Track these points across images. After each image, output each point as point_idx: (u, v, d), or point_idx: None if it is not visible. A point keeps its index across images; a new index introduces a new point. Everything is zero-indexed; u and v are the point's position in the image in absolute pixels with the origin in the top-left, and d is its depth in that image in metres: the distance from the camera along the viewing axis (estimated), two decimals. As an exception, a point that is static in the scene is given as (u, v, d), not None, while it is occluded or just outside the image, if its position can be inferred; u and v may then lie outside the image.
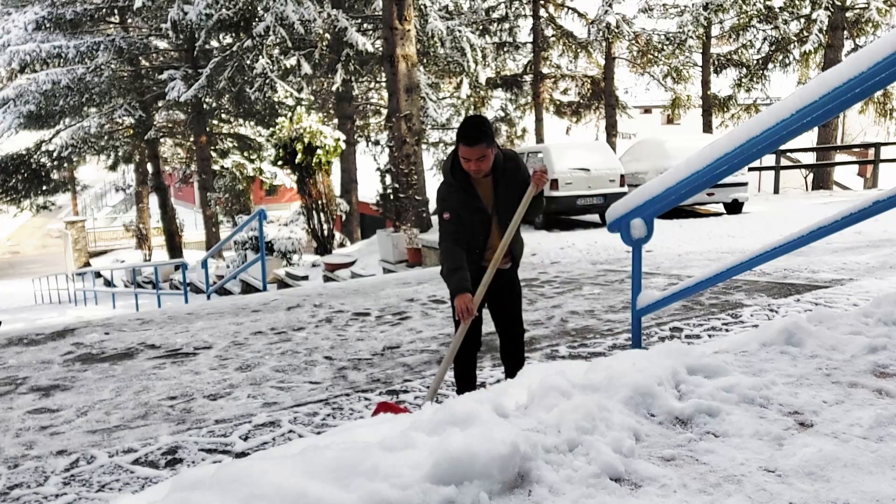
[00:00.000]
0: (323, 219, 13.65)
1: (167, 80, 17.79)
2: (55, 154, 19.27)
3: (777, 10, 19.32)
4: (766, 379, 2.34)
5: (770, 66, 19.97)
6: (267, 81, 15.96)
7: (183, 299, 11.83)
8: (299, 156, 12.71)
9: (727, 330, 4.80)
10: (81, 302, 19.90)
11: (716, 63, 20.45)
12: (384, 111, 18.00)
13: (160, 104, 19.92)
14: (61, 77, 17.81)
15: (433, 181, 18.45)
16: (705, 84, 20.33)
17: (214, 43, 18.62)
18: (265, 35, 15.07)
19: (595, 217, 12.93)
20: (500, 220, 3.26)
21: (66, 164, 21.28)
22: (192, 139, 21.28)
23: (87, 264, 26.69)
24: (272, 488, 1.60)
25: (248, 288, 12.64)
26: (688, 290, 3.28)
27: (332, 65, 16.49)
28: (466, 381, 3.51)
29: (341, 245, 14.83)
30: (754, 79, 20.09)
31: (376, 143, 21.82)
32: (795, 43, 19.37)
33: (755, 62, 20.09)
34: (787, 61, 19.86)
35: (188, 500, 1.62)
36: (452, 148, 4.11)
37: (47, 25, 18.20)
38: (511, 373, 3.48)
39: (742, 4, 18.66)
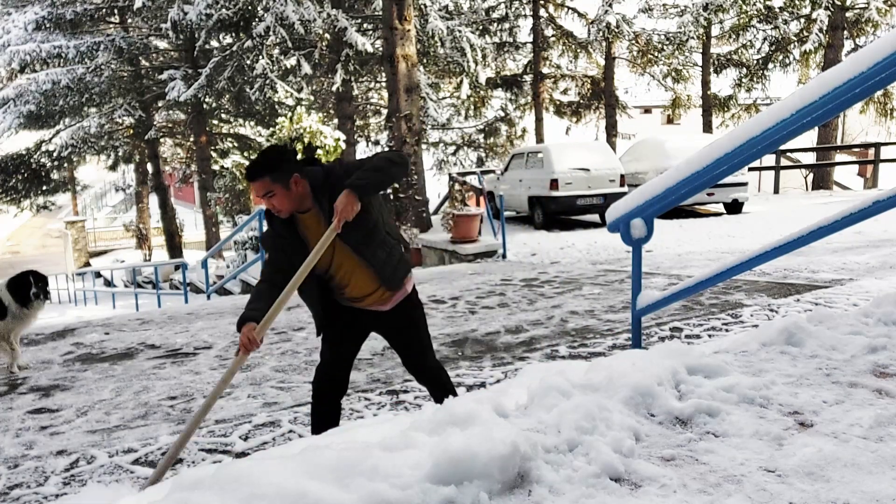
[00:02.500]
0: (323, 219, 13.63)
1: (167, 80, 17.77)
2: (55, 154, 19.26)
3: (777, 10, 19.32)
4: (766, 379, 2.34)
5: (770, 66, 19.97)
6: (267, 81, 15.94)
7: (183, 299, 11.82)
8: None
9: (727, 330, 4.80)
10: (81, 302, 19.89)
11: (716, 63, 20.45)
12: (384, 111, 18.00)
13: (160, 104, 19.90)
14: (61, 77, 17.80)
15: (433, 181, 18.47)
16: (705, 84, 20.33)
17: (214, 43, 18.61)
18: (265, 35, 15.06)
19: (595, 217, 12.93)
20: (353, 248, 2.69)
21: (66, 164, 21.27)
22: (192, 139, 21.28)
23: (87, 264, 26.67)
24: (272, 488, 1.60)
25: (248, 288, 12.63)
26: (688, 290, 3.28)
27: (332, 65, 16.47)
28: (326, 422, 2.91)
29: (341, 245, 14.80)
30: (754, 79, 20.09)
31: (376, 143, 21.81)
32: (795, 43, 19.37)
33: (755, 62, 20.09)
34: (787, 61, 19.86)
35: (188, 500, 1.62)
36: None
37: (47, 25, 18.18)
38: None
39: (742, 4, 18.66)
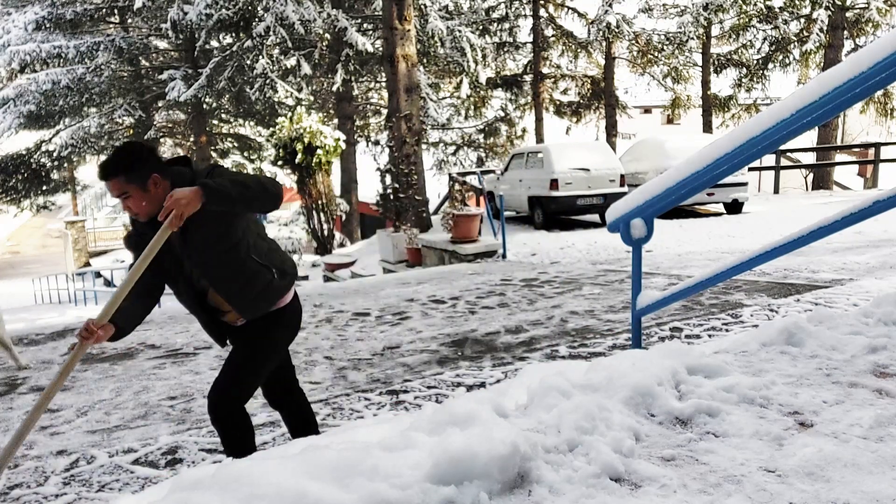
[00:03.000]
0: (323, 219, 13.67)
1: (167, 80, 17.79)
2: (55, 154, 19.31)
3: (777, 10, 19.33)
4: (766, 379, 2.34)
5: (770, 66, 19.97)
6: (267, 81, 15.97)
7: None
8: (299, 156, 12.73)
9: (727, 330, 4.79)
10: (81, 302, 19.87)
11: (716, 63, 20.46)
12: (384, 111, 18.01)
13: (160, 104, 19.94)
14: (61, 77, 17.84)
15: (433, 181, 18.47)
16: (705, 84, 20.33)
17: (214, 43, 18.64)
18: (265, 35, 15.09)
19: (595, 217, 12.93)
20: (199, 268, 2.46)
21: (66, 164, 21.32)
22: (192, 139, 21.31)
23: (88, 264, 26.66)
24: (272, 488, 1.60)
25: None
26: (688, 290, 3.27)
27: (332, 65, 16.49)
28: (292, 425, 2.89)
29: (341, 245, 14.83)
30: (754, 79, 20.09)
31: (376, 143, 21.84)
32: (795, 43, 19.38)
33: (755, 62, 20.10)
34: (787, 61, 19.87)
35: (188, 500, 1.62)
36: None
37: (47, 25, 18.22)
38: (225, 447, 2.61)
39: (742, 4, 18.66)
